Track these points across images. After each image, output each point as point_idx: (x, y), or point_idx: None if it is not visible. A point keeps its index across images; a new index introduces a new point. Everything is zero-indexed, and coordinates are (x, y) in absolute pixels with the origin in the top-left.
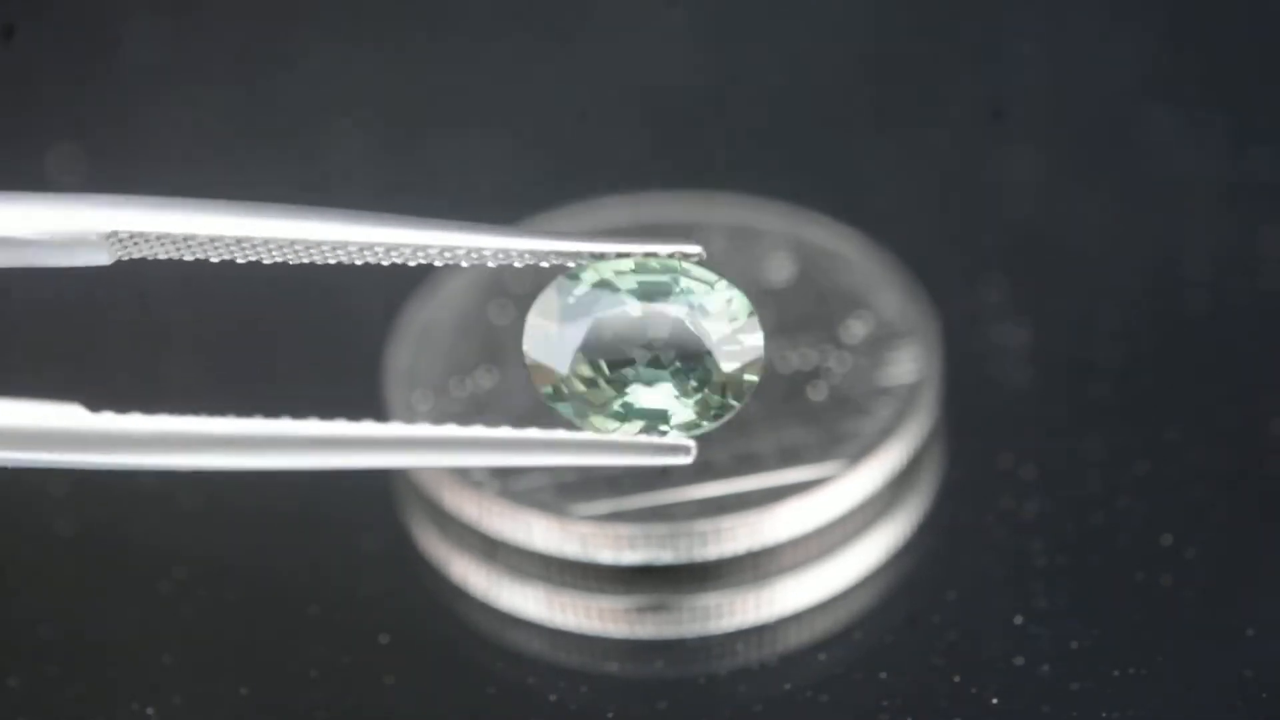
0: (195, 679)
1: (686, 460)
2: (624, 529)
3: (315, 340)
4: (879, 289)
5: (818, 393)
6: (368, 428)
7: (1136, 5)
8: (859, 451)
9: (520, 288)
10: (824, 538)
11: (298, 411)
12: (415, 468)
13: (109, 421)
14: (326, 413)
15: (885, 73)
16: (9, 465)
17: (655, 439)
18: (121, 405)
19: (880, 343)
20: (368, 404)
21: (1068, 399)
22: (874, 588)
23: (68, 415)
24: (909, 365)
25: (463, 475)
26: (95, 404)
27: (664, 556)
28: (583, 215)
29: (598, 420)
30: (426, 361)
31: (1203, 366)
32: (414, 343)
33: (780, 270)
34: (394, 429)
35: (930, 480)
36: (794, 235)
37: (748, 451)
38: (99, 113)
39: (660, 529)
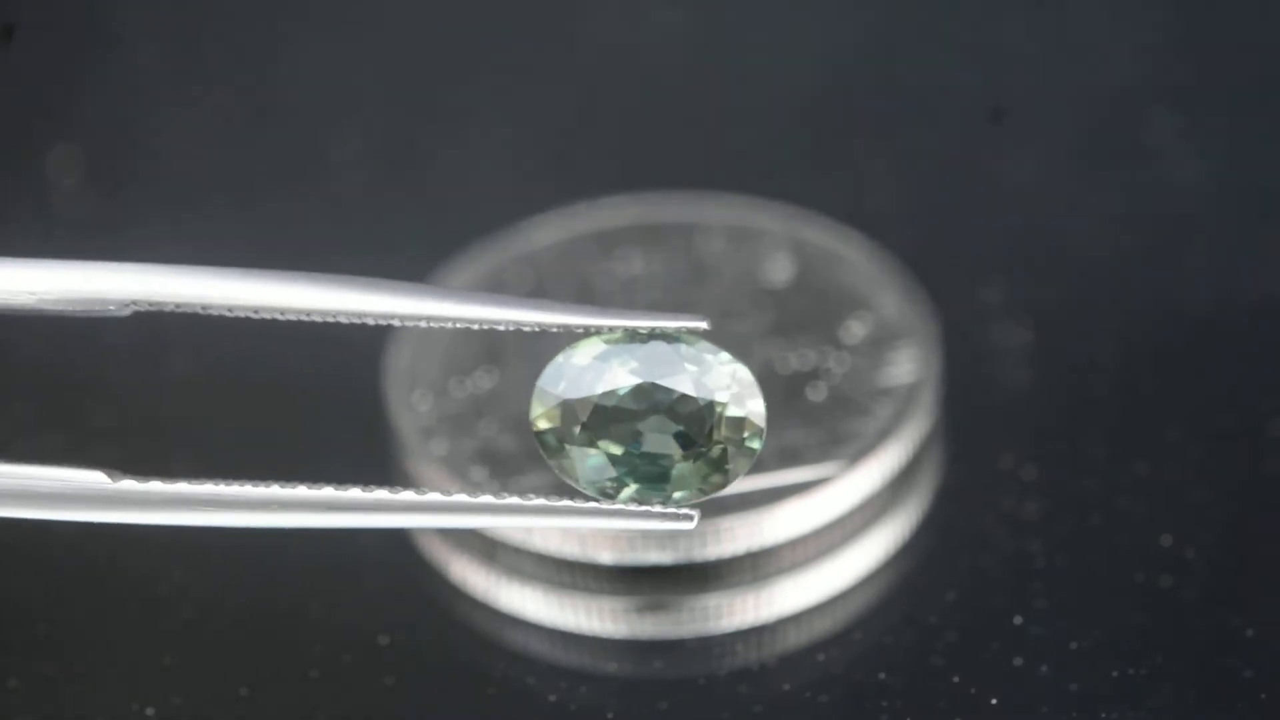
0: (195, 679)
1: (689, 526)
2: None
3: (315, 340)
4: (879, 289)
5: (817, 393)
6: (380, 495)
7: (1137, 5)
8: (859, 452)
9: (521, 288)
10: (823, 538)
11: (298, 413)
12: (435, 527)
13: (129, 489)
14: (326, 415)
15: (885, 73)
16: (31, 520)
17: (660, 508)
18: (123, 405)
19: (880, 343)
20: (368, 404)
21: (1068, 399)
22: (873, 588)
23: (89, 481)
24: (909, 365)
25: (462, 476)
26: (98, 410)
27: (664, 557)
28: (583, 215)
29: (600, 490)
30: (426, 362)
31: (1203, 366)
32: (414, 343)
33: (780, 270)
34: (407, 496)
35: (930, 480)
36: (794, 235)
37: None
38: (99, 113)
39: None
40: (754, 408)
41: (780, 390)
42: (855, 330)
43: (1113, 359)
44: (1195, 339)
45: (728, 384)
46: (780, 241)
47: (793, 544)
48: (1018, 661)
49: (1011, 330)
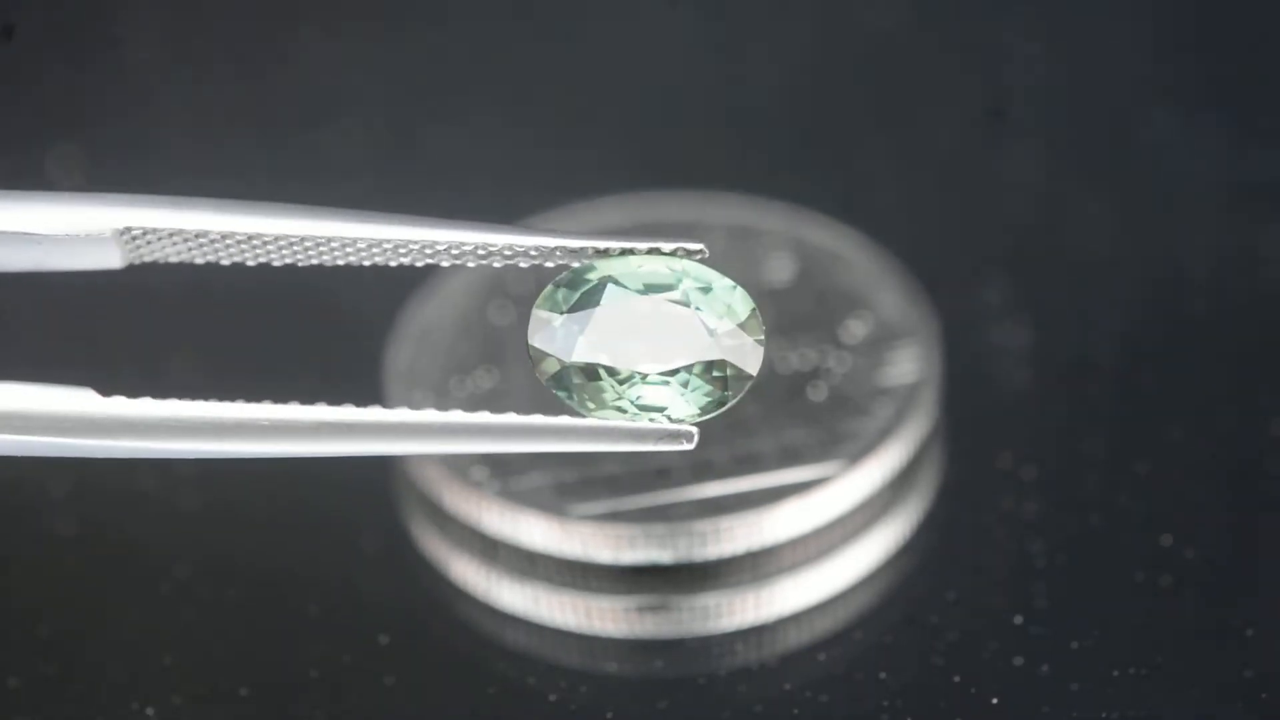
0: (195, 679)
1: (689, 446)
2: (623, 529)
3: (316, 340)
4: (879, 289)
5: (817, 393)
6: (374, 413)
7: (1136, 5)
8: (859, 451)
9: (520, 288)
10: (824, 538)
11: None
12: (421, 454)
13: (120, 406)
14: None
15: (885, 73)
16: (19, 452)
17: (657, 425)
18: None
19: (880, 343)
20: (368, 403)
21: (1068, 399)
22: (874, 588)
23: (79, 399)
24: (909, 365)
25: (462, 475)
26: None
27: (663, 556)
28: (583, 215)
29: (599, 411)
30: (426, 361)
31: (1203, 366)
32: (414, 343)
33: (780, 270)
34: (400, 415)
35: (930, 480)
36: (794, 235)
37: (747, 451)
38: (99, 113)
39: (659, 529)
40: (752, 329)
41: (780, 390)
42: (855, 330)
43: (1113, 359)
44: (1195, 339)
45: (726, 302)
46: (780, 241)
47: (793, 543)
48: (1018, 661)
49: (1011, 330)
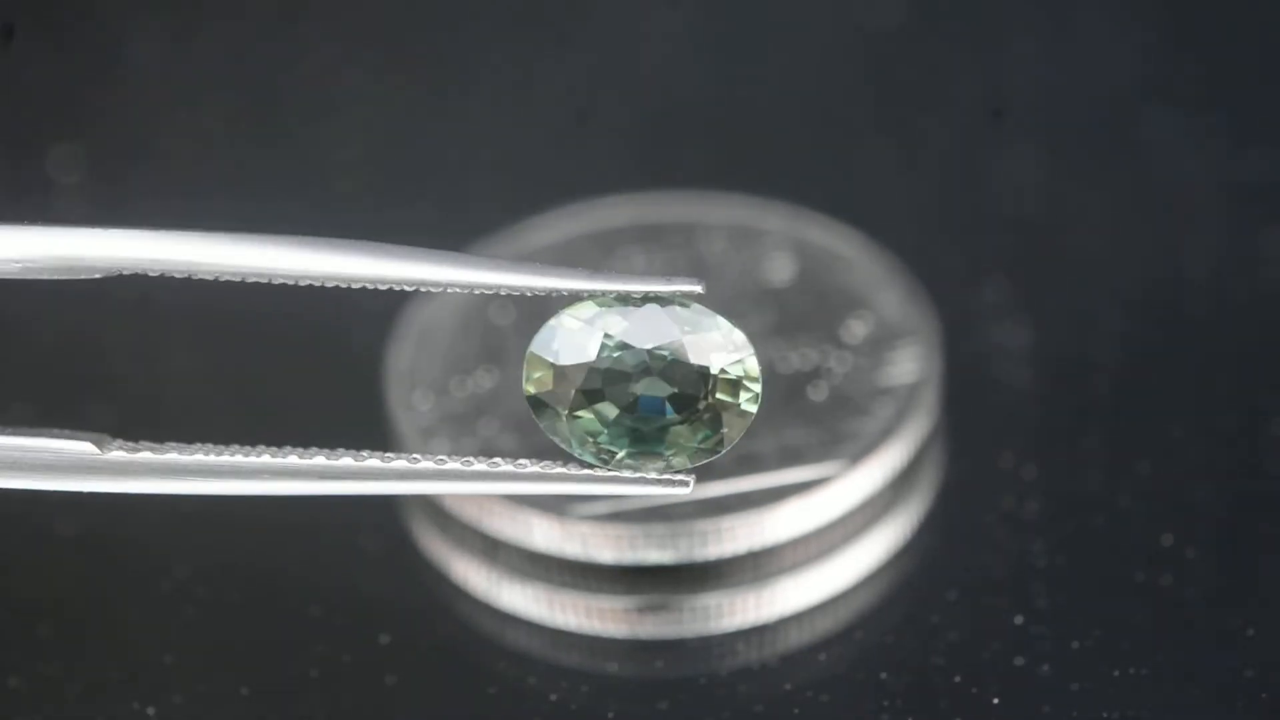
0: (196, 679)
1: (685, 492)
2: (624, 529)
3: (316, 340)
4: (879, 289)
5: (818, 393)
6: (374, 463)
7: (1136, 5)
8: (859, 451)
9: None
10: (824, 538)
11: (299, 413)
12: (440, 493)
13: (120, 459)
14: (327, 414)
15: (885, 73)
16: (22, 491)
17: (656, 474)
18: (123, 404)
19: (881, 343)
20: (368, 404)
21: (1068, 399)
22: (874, 588)
23: (79, 452)
24: (909, 365)
25: None
26: (96, 405)
27: (664, 556)
28: (583, 215)
29: (595, 453)
30: (427, 361)
31: (1203, 366)
32: (414, 342)
33: (781, 270)
34: (400, 464)
35: (930, 480)
36: (794, 235)
37: (748, 451)
38: (99, 113)
39: (660, 529)
40: (750, 370)
41: (781, 390)
42: (856, 330)
43: (1113, 359)
44: (1195, 339)
45: (723, 346)
46: (781, 241)
47: (794, 543)
48: (1019, 661)
49: (1012, 330)
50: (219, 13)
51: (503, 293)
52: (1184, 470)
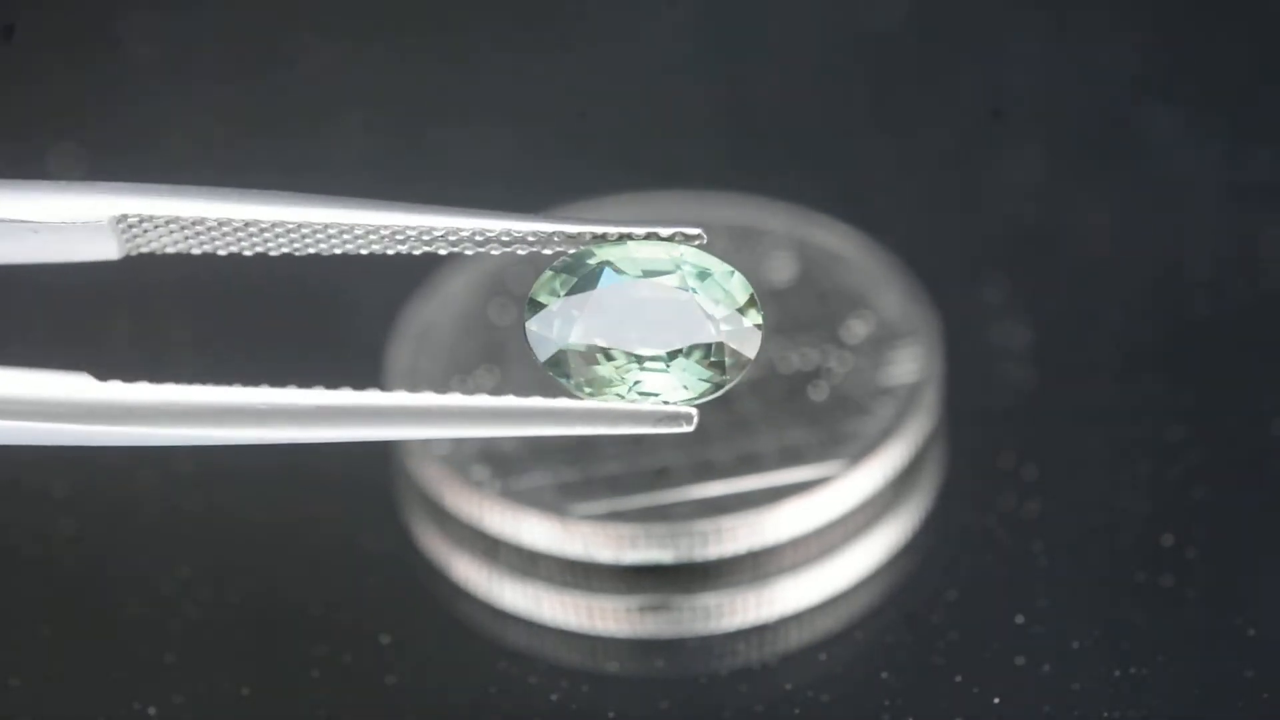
0: (196, 678)
1: (688, 428)
2: (625, 529)
3: (317, 340)
4: (880, 289)
5: (819, 393)
6: (372, 396)
7: (1136, 5)
8: (860, 451)
9: (521, 288)
10: (825, 537)
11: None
12: (419, 438)
13: (116, 391)
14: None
15: (885, 73)
16: (14, 440)
17: (655, 407)
18: None
19: (881, 343)
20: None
21: (1068, 399)
22: (875, 587)
23: (75, 385)
24: (910, 365)
25: (464, 475)
26: None
27: (665, 556)
28: (583, 215)
29: (597, 395)
30: (427, 361)
31: (1203, 366)
32: (415, 342)
33: (781, 270)
34: (399, 398)
35: (931, 480)
36: (795, 235)
37: (748, 451)
38: (100, 112)
39: (661, 529)
40: (751, 316)
41: (782, 389)
42: (857, 330)
43: (1113, 359)
44: (1195, 339)
45: (724, 287)
46: (782, 241)
47: (794, 543)
48: (1019, 661)
49: (1012, 330)
50: (219, 12)
51: (503, 241)
52: (1184, 470)
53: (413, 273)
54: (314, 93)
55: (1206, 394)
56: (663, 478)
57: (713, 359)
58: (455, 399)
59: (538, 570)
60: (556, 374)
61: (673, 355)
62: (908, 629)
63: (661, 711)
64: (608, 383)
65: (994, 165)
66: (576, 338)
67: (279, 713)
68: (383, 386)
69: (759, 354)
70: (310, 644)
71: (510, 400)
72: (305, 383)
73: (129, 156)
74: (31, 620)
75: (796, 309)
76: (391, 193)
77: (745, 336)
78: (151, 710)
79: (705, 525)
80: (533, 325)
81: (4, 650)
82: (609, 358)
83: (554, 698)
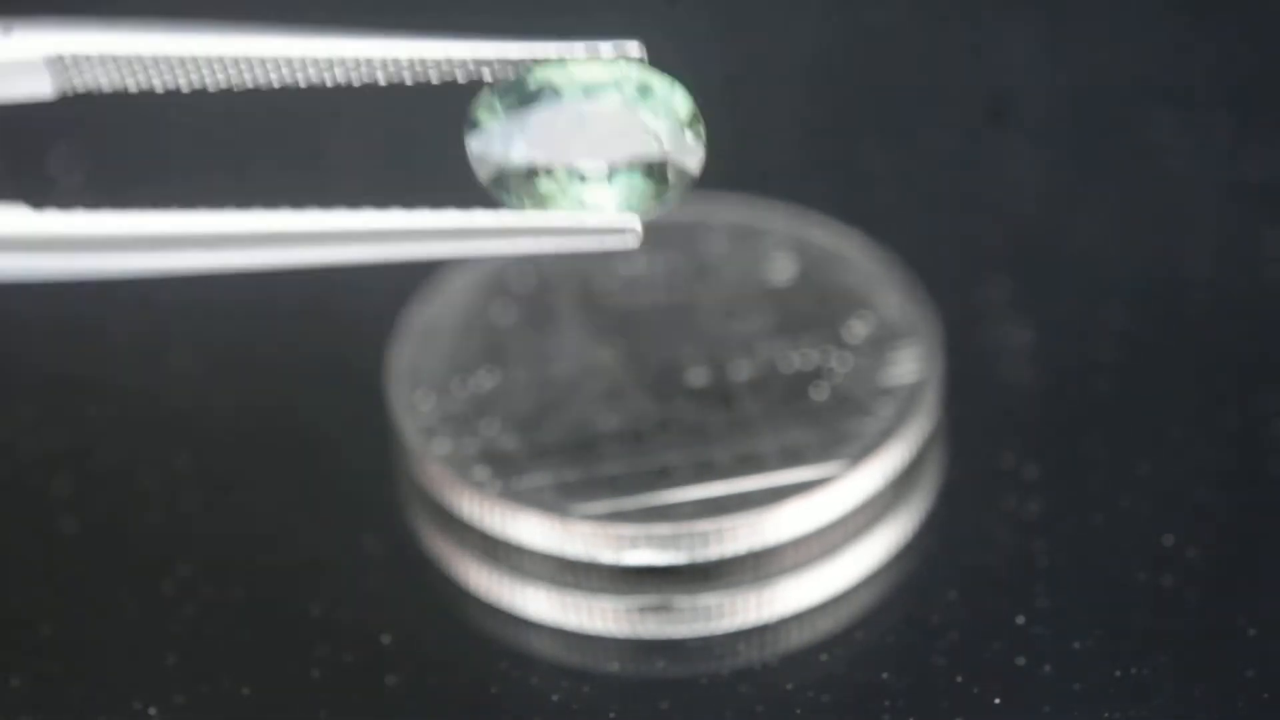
0: (197, 678)
1: (633, 243)
2: (625, 529)
3: (317, 340)
4: (881, 289)
5: (819, 393)
6: (295, 218)
7: (1137, 4)
8: (861, 451)
9: (523, 288)
10: (825, 538)
11: (300, 413)
12: (355, 262)
13: (54, 221)
14: (328, 415)
15: (885, 73)
16: None
17: (599, 220)
18: (123, 404)
19: (882, 343)
20: (369, 403)
21: (1068, 399)
22: (875, 588)
23: (10, 216)
24: (911, 365)
25: (465, 475)
26: (96, 405)
27: (665, 557)
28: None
29: (542, 210)
30: (428, 361)
31: (1203, 366)
32: (416, 342)
33: (782, 270)
34: (322, 218)
35: (932, 480)
36: (795, 235)
37: (749, 452)
38: (99, 113)
39: (662, 529)
40: (692, 126)
41: (783, 390)
42: (857, 330)
43: (1113, 359)
44: (1195, 338)
45: (666, 102)
46: (782, 241)
47: (795, 544)
48: (1020, 661)
49: (1013, 330)
50: (220, 12)
51: (443, 68)
52: (1184, 470)
53: (414, 274)
54: (313, 91)
55: (1206, 394)
56: (663, 478)
57: (656, 173)
58: (396, 218)
59: (539, 570)
60: (499, 192)
61: (614, 170)
62: (908, 629)
63: (662, 712)
64: (550, 200)
65: (994, 165)
66: (517, 156)
67: (279, 713)
68: (384, 387)
69: (759, 354)
70: (310, 644)
71: (449, 216)
72: (307, 383)
73: (128, 157)
74: (32, 620)
75: (797, 309)
76: (390, 191)
77: (687, 149)
78: (152, 710)
79: (706, 526)
80: (473, 144)
81: (4, 650)
82: (550, 175)
83: (555, 698)
